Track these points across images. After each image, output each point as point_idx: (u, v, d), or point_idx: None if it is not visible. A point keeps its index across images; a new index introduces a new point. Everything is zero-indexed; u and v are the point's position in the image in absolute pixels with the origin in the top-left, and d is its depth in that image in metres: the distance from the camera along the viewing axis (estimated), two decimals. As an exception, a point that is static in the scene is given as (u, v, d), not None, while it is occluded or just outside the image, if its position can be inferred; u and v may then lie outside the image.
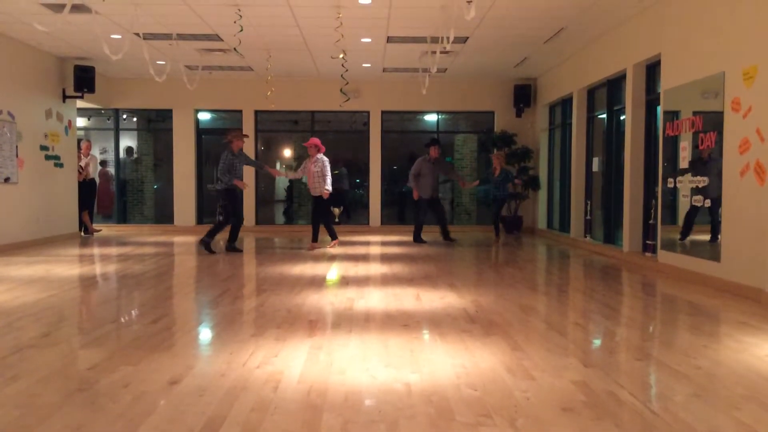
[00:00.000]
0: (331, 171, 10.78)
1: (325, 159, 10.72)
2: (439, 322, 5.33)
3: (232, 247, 10.44)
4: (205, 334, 5.17)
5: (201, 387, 3.63)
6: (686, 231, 8.20)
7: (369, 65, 13.27)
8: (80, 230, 13.44)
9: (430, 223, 12.43)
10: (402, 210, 16.62)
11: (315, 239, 11.02)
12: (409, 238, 12.55)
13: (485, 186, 12.37)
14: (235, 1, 8.65)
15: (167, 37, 10.64)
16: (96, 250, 11.23)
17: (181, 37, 10.72)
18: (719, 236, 7.23)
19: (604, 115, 11.24)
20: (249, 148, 15.17)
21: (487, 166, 14.47)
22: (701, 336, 4.99)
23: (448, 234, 12.15)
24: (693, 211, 7.97)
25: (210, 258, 9.77)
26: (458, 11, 7.43)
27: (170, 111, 15.31)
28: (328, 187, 10.61)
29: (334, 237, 11.15)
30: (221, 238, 10.77)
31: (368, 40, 11.04)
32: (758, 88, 6.48)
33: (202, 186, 15.70)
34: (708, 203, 7.56)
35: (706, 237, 7.73)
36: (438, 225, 12.26)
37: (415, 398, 3.46)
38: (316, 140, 10.85)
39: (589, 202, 11.81)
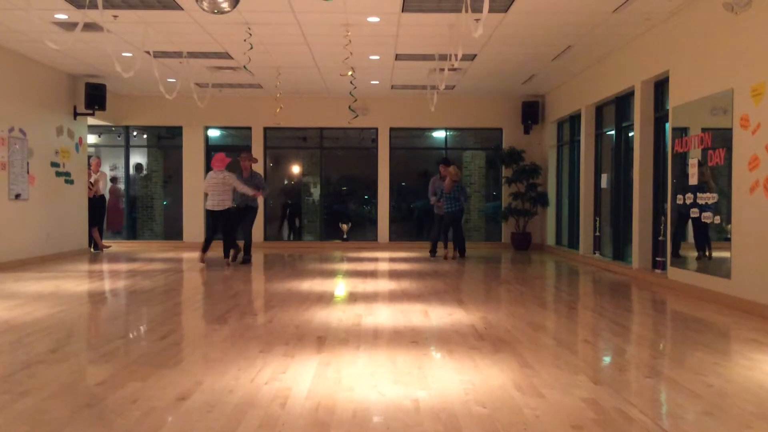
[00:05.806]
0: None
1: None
2: (447, 339, 5.31)
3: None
4: (214, 350, 5.17)
5: (209, 403, 3.63)
6: (701, 246, 8.18)
7: (377, 82, 13.34)
8: (90, 246, 13.50)
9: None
10: (412, 226, 16.53)
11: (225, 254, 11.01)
12: (417, 254, 12.53)
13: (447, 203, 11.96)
14: (245, 19, 8.75)
15: (178, 55, 10.75)
16: (105, 266, 11.27)
17: (192, 55, 10.82)
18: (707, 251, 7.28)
19: (613, 132, 11.24)
20: (259, 164, 15.24)
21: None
22: (712, 354, 4.95)
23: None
24: (698, 227, 7.99)
25: (218, 274, 9.80)
26: (466, 29, 7.45)
27: (180, 128, 15.42)
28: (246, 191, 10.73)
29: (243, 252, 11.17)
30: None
31: (377, 57, 11.11)
32: (767, 105, 6.47)
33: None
34: (717, 219, 7.56)
35: (720, 254, 7.68)
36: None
37: (423, 415, 3.44)
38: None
39: (597, 219, 11.78)
